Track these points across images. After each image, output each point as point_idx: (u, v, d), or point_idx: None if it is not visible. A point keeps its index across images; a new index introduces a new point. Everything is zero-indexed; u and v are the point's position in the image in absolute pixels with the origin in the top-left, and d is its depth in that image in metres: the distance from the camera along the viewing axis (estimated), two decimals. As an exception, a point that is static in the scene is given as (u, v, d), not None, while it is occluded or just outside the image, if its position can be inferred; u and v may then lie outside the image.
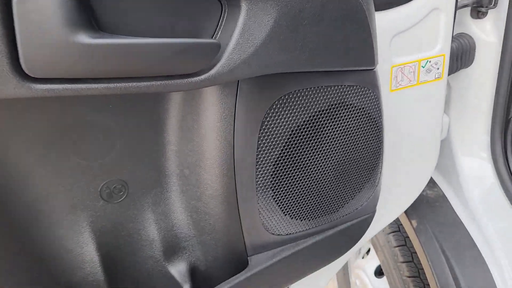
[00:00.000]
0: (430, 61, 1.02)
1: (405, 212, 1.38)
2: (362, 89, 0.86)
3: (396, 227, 1.72)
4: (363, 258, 2.15)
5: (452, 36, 1.20)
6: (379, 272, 1.99)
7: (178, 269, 0.92)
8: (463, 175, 1.28)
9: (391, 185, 1.14)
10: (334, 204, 0.96)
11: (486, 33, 1.15)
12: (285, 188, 0.87)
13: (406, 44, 0.99)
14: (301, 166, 0.86)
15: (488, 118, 1.23)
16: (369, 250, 2.10)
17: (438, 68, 1.04)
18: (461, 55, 1.18)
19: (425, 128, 1.12)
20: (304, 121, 0.83)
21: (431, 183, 1.42)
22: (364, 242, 1.21)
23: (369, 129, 0.91)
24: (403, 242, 1.66)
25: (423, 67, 1.02)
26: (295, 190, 0.88)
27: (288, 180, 0.86)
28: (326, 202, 0.94)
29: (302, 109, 0.81)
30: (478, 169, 1.27)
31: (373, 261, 2.01)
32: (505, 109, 1.19)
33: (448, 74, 1.18)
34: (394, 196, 1.19)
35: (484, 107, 1.22)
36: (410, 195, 1.24)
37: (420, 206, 1.36)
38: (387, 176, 1.11)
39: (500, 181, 1.23)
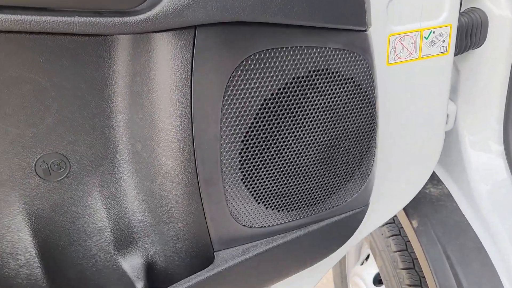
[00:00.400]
0: (434, 32, 0.88)
1: (405, 211, 1.23)
2: (351, 55, 0.72)
3: (397, 231, 1.58)
4: (362, 264, 2.01)
5: (461, 9, 1.06)
6: (378, 281, 1.84)
7: (131, 264, 0.79)
8: (471, 170, 1.13)
9: (385, 178, 1.00)
10: (318, 194, 0.82)
11: (500, 7, 1.01)
12: (258, 170, 0.73)
13: (407, 9, 0.85)
14: (277, 144, 0.73)
15: (501, 106, 1.08)
16: (368, 256, 1.96)
17: (443, 41, 0.90)
18: (471, 32, 1.03)
19: (428, 113, 0.98)
20: (280, 89, 0.69)
21: (435, 180, 1.27)
22: (355, 242, 1.07)
23: (359, 104, 0.77)
24: (403, 247, 1.52)
25: (426, 38, 0.88)
26: (269, 173, 0.74)
27: (261, 160, 0.72)
28: (308, 191, 0.80)
29: (277, 73, 0.68)
30: (488, 163, 1.13)
31: (372, 268, 1.87)
32: (520, 95, 1.04)
33: (456, 54, 1.04)
34: (390, 191, 1.04)
35: (497, 92, 1.08)
36: (408, 192, 1.10)
37: (421, 205, 1.21)
38: (382, 166, 0.96)
39: (513, 177, 1.09)
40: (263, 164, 0.73)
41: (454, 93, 1.17)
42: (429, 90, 0.96)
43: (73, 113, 0.67)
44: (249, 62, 0.65)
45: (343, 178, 0.83)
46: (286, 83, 0.69)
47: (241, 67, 0.65)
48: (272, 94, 0.69)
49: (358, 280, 1.92)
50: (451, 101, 1.17)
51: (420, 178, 1.11)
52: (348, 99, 0.76)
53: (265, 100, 0.68)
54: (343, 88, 0.74)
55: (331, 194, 0.83)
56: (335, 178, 0.82)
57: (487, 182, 1.12)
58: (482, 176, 1.12)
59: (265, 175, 0.74)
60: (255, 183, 0.74)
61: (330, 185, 0.82)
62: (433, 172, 1.27)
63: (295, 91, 0.70)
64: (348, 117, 0.77)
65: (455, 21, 0.90)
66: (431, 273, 1.13)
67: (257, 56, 0.65)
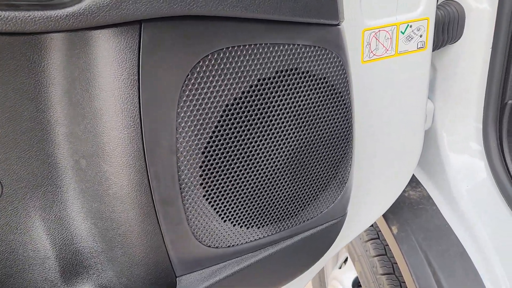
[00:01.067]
0: (411, 26, 0.81)
1: (384, 216, 1.17)
2: (323, 52, 0.65)
3: (375, 234, 1.52)
4: (340, 268, 1.95)
5: (437, 2, 1.01)
6: (358, 285, 1.79)
7: None
8: (450, 171, 1.08)
9: (364, 183, 0.93)
10: (291, 207, 0.74)
11: (477, 0, 0.96)
12: (222, 185, 0.65)
13: (382, 2, 0.78)
14: (242, 154, 0.64)
15: (479, 103, 1.03)
16: (347, 259, 1.90)
17: (421, 36, 0.84)
18: (448, 26, 0.98)
19: (407, 111, 0.92)
20: (244, 92, 0.61)
21: (414, 182, 1.22)
22: (333, 253, 1.00)
23: (333, 107, 0.70)
24: (382, 251, 1.46)
25: (403, 33, 0.81)
26: (235, 187, 0.66)
27: (225, 173, 0.64)
28: (279, 204, 0.72)
29: (239, 75, 0.59)
30: (468, 163, 1.07)
31: (351, 272, 1.81)
32: (500, 91, 0.99)
33: (433, 50, 0.98)
34: (369, 197, 0.98)
35: (475, 89, 1.02)
36: (389, 196, 1.04)
37: (401, 209, 1.16)
38: (360, 172, 0.90)
39: (494, 176, 1.03)
40: (228, 178, 0.65)
41: (431, 91, 1.11)
42: (407, 88, 0.89)
43: (2, 127, 0.57)
44: (206, 63, 0.57)
45: (318, 188, 0.76)
46: (251, 86, 0.61)
47: (198, 69, 0.56)
48: (235, 99, 0.60)
49: (337, 284, 1.86)
50: (428, 100, 1.11)
51: (401, 180, 1.05)
52: (321, 101, 0.68)
53: (227, 105, 0.60)
54: (315, 89, 0.67)
55: (305, 206, 0.76)
56: (309, 188, 0.74)
57: (467, 183, 1.07)
58: (462, 177, 1.07)
59: (230, 189, 0.66)
60: (220, 199, 0.66)
61: (304, 196, 0.74)
62: (413, 175, 1.22)
63: (261, 94, 0.62)
64: (322, 121, 0.70)
65: (432, 14, 0.84)
66: (413, 281, 1.07)
67: (215, 56, 0.57)
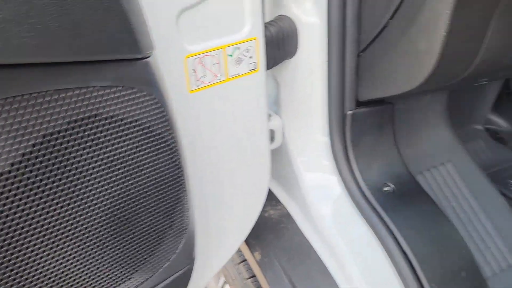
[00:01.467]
0: (239, 48, 0.75)
1: (247, 243, 1.11)
2: (128, 91, 0.54)
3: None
4: (221, 288, 1.87)
5: (269, 18, 0.97)
6: (240, 302, 1.72)
7: None
8: (305, 189, 1.06)
9: (214, 217, 0.86)
10: (121, 272, 0.62)
11: (307, 14, 0.93)
12: (23, 267, 0.51)
13: (202, 23, 0.70)
14: (38, 229, 0.51)
15: (323, 117, 1.02)
16: (226, 279, 1.83)
17: (251, 57, 0.78)
18: (283, 42, 0.94)
19: (248, 133, 0.86)
20: (24, 155, 0.48)
21: (274, 200, 1.18)
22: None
23: (153, 151, 0.60)
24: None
25: (231, 56, 0.75)
26: (42, 265, 0.53)
27: (25, 253, 0.50)
28: (105, 273, 0.60)
29: (15, 134, 0.46)
30: (320, 178, 1.06)
31: (231, 293, 1.74)
32: (340, 102, 0.98)
33: (271, 67, 0.94)
34: (222, 229, 0.90)
35: (318, 103, 1.01)
36: (245, 222, 0.98)
37: (263, 232, 1.11)
38: (207, 206, 0.81)
39: (346, 189, 1.03)
40: (29, 258, 0.51)
41: (278, 107, 1.08)
42: (243, 111, 0.83)
43: None
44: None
45: (152, 243, 0.65)
46: (34, 145, 0.48)
47: None
48: (12, 165, 0.47)
49: (219, 306, 1.77)
50: (276, 116, 1.08)
51: (255, 204, 0.99)
52: (137, 147, 0.58)
53: (1, 175, 0.47)
54: (126, 134, 0.56)
55: (139, 266, 0.65)
56: (140, 246, 0.63)
57: (323, 199, 1.05)
58: (317, 193, 1.05)
59: (36, 270, 0.52)
60: (21, 283, 0.52)
61: (136, 256, 0.63)
62: (272, 193, 1.18)
63: (51, 153, 0.50)
64: (143, 169, 0.59)
65: (260, 33, 0.79)
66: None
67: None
